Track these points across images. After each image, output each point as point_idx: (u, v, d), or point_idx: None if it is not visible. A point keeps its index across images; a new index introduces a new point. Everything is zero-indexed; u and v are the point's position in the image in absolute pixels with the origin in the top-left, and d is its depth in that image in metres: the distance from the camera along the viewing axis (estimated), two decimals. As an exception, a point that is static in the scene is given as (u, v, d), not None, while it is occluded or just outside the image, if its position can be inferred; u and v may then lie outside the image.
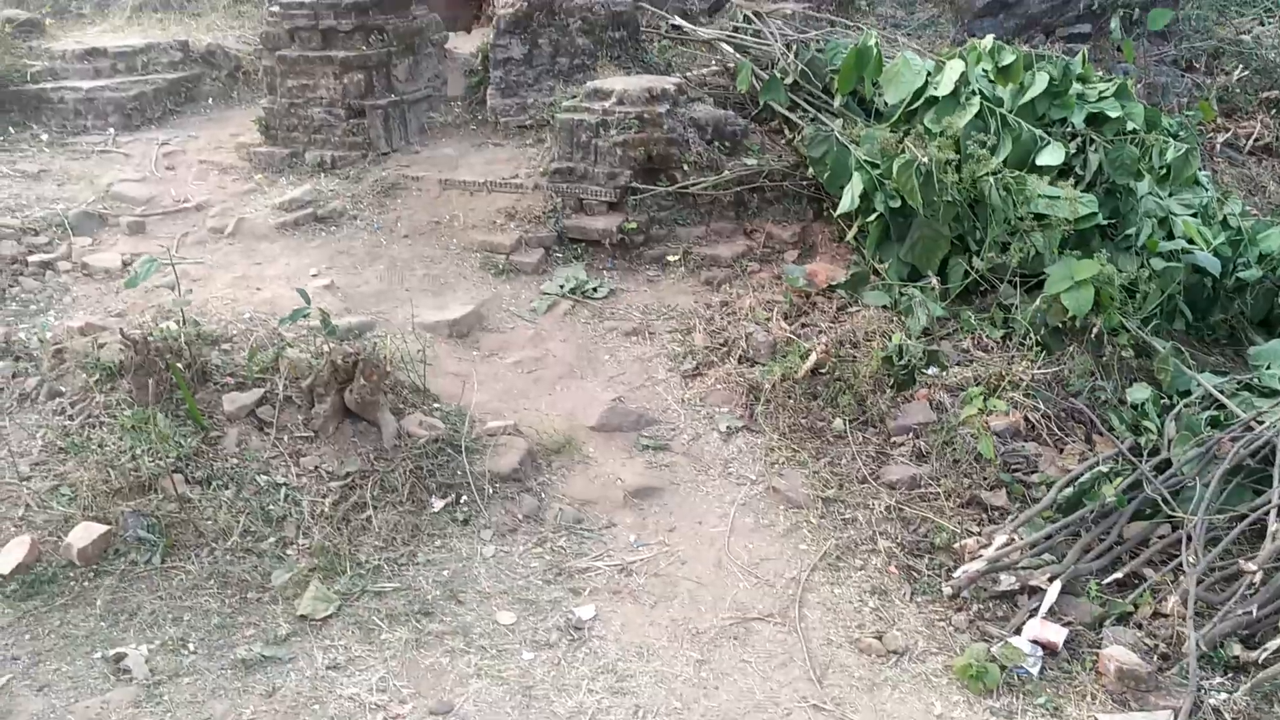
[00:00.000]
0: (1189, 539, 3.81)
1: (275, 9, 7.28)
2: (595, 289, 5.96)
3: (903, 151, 5.38)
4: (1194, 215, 5.38)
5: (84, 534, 3.73)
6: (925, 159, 5.16)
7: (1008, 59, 5.57)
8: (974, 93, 5.61)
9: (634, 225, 6.21)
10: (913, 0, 9.36)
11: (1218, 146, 7.46)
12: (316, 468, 4.21)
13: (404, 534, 4.03)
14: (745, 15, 7.77)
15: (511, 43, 7.26)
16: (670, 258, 6.23)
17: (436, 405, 4.76)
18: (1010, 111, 5.55)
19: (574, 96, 6.75)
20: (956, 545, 4.05)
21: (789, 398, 4.91)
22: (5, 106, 7.97)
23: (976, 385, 4.76)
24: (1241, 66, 7.96)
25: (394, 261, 6.16)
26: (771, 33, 7.31)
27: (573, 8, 7.27)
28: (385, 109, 7.14)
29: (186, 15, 9.87)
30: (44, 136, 7.81)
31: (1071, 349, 5.01)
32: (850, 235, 5.95)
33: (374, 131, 7.10)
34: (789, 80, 6.81)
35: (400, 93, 7.31)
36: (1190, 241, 5.21)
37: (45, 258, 5.97)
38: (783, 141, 6.77)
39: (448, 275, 6.09)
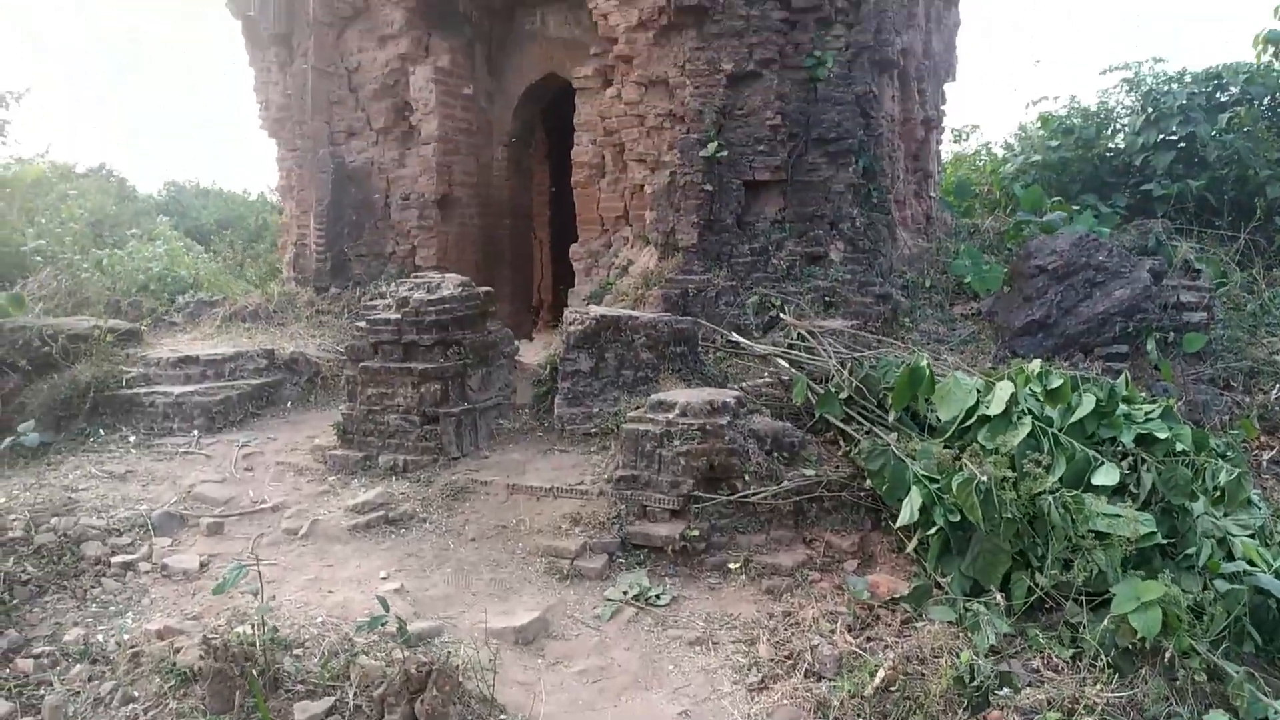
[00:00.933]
0: None
1: (362, 325, 7.86)
2: (658, 596, 6.01)
3: (961, 468, 5.57)
4: (1251, 536, 5.45)
5: None
6: (984, 477, 5.34)
7: (1055, 383, 5.87)
8: (1025, 412, 5.87)
9: (696, 533, 6.36)
10: (953, 318, 9.92)
11: (1264, 464, 7.62)
12: (386, 783, 4.16)
13: None
14: (799, 333, 8.26)
15: (579, 356, 7.73)
16: (731, 565, 6.32)
17: (503, 716, 4.74)
18: (1061, 430, 5.78)
19: (638, 407, 7.11)
20: None
21: (859, 716, 4.83)
22: (99, 410, 8.49)
23: (1051, 709, 4.68)
24: (1278, 386, 8.27)
25: (461, 565, 6.30)
26: (825, 350, 7.75)
27: (637, 325, 7.79)
28: (458, 416, 7.52)
29: (272, 325, 10.63)
30: (132, 438, 8.26)
31: (1143, 671, 4.95)
32: (910, 547, 6.04)
33: (446, 437, 7.45)
34: (844, 395, 7.15)
35: (473, 401, 7.73)
36: (1251, 563, 5.26)
37: (127, 558, 6.18)
38: (839, 453, 7.00)
39: (513, 580, 6.19)
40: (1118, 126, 17.03)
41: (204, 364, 9.12)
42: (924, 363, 6.46)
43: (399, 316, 7.69)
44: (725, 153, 9.81)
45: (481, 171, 12.35)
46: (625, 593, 6.04)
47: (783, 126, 9.88)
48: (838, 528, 6.65)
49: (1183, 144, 14.59)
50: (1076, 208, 14.11)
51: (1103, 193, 15.37)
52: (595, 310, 8.14)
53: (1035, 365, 6.29)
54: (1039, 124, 18.17)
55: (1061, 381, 5.93)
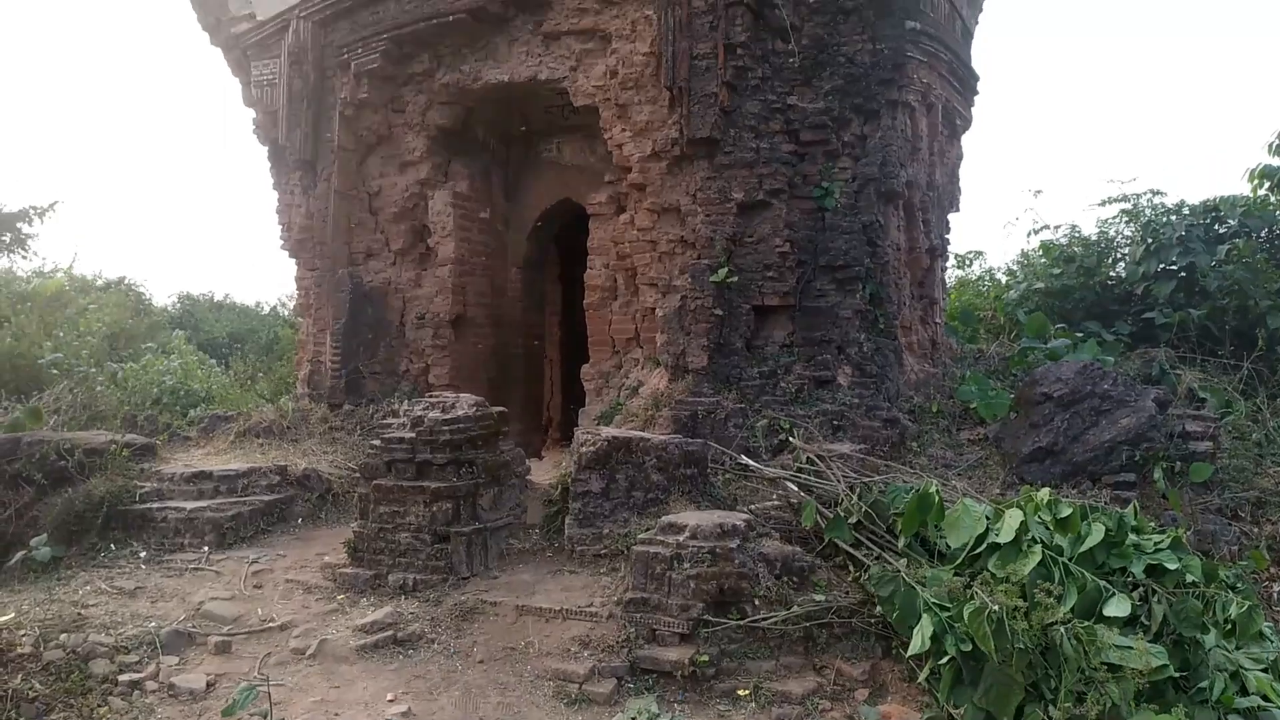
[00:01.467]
0: None
1: (376, 443, 7.96)
2: (668, 724, 5.95)
3: (972, 596, 5.58)
4: (1265, 670, 5.43)
5: None
6: (996, 606, 5.35)
7: (1064, 511, 5.92)
8: (1034, 540, 5.91)
9: (705, 658, 6.32)
10: (961, 443, 9.99)
11: (1275, 595, 7.59)
12: None
13: None
14: (808, 457, 8.34)
15: (591, 477, 7.80)
16: (741, 692, 6.26)
17: None
18: (1071, 560, 5.81)
19: (649, 529, 7.15)
20: None
21: None
22: (111, 525, 8.54)
23: (1069, 846, 4.61)
24: (1287, 516, 8.30)
25: (469, 688, 6.25)
26: (834, 474, 7.82)
27: (648, 447, 7.88)
28: (469, 536, 7.56)
29: (286, 441, 10.74)
30: (143, 554, 8.29)
31: (1163, 808, 4.88)
32: (922, 677, 6.00)
33: (456, 557, 7.47)
34: (853, 520, 7.19)
35: (484, 520, 7.77)
36: (1265, 698, 5.22)
37: (134, 677, 6.16)
38: (849, 578, 7.01)
39: (521, 704, 6.14)
40: (1118, 255, 17.37)
41: (217, 479, 9.19)
42: (933, 489, 6.52)
43: (414, 435, 7.79)
44: (735, 278, 10.04)
45: (495, 292, 12.62)
46: (634, 719, 5.98)
47: (791, 253, 10.13)
48: (848, 655, 6.61)
49: (1183, 274, 14.87)
50: (1080, 335, 14.31)
51: (1106, 320, 15.59)
52: (607, 431, 8.25)
53: (1044, 493, 6.35)
54: (1040, 251, 18.55)
55: (1071, 510, 5.98)
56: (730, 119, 10.16)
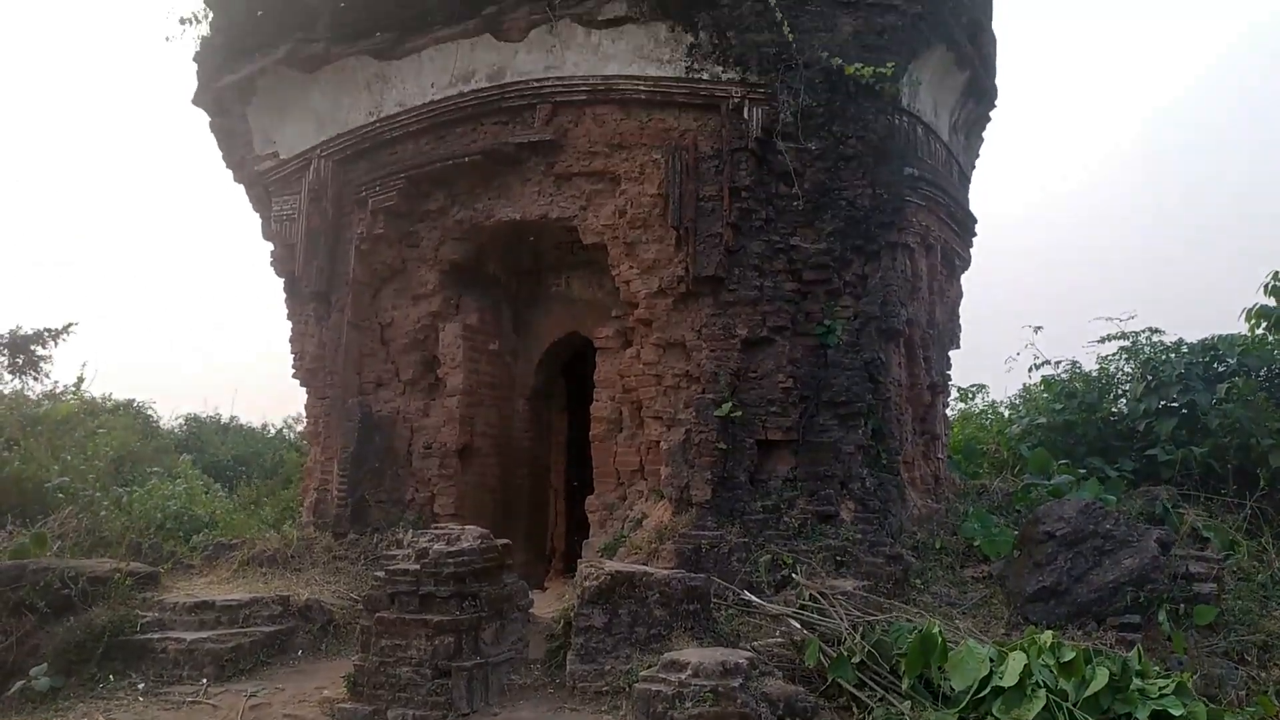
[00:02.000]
0: None
1: (380, 575, 7.99)
2: None
3: (976, 743, 5.55)
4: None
5: None
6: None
7: (1068, 655, 5.92)
8: (1039, 684, 5.89)
9: (708, 802, 6.24)
10: (964, 580, 9.97)
11: (1285, 740, 7.48)
12: None
13: None
14: (810, 594, 8.34)
15: (594, 612, 7.80)
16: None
17: None
18: (1076, 705, 5.78)
19: (651, 666, 7.12)
20: None
21: None
22: (110, 655, 8.50)
23: None
24: (1291, 666, 8.22)
25: (467, 831, 6.15)
26: (837, 612, 7.81)
27: (651, 582, 7.90)
28: (470, 671, 7.51)
29: (289, 570, 10.73)
30: (140, 685, 8.23)
31: None
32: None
33: (457, 693, 7.42)
34: (856, 659, 7.16)
35: (485, 655, 7.73)
36: None
37: (129, 813, 6.08)
38: (853, 720, 6.95)
39: None
40: (1119, 391, 17.55)
41: (219, 609, 9.17)
42: (936, 629, 6.53)
43: (418, 567, 7.82)
44: (740, 413, 10.20)
45: (502, 422, 12.77)
46: None
47: (794, 389, 10.32)
48: (853, 800, 6.52)
49: (1184, 411, 14.99)
50: (1084, 471, 14.37)
51: (1109, 455, 15.66)
52: (610, 565, 8.28)
53: (1047, 636, 6.35)
54: (1043, 386, 18.75)
55: (1074, 654, 5.98)
56: (735, 258, 10.48)
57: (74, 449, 18.71)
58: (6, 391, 19.53)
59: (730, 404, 10.21)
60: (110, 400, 25.20)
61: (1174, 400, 15.25)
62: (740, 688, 6.67)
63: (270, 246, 13.38)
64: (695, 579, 8.13)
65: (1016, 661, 6.09)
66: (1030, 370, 19.20)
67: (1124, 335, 17.48)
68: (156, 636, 8.70)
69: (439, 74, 11.90)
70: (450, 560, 7.81)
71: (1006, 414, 20.40)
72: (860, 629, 7.55)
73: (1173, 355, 16.12)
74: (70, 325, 18.89)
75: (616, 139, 11.04)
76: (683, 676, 6.78)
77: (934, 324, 12.62)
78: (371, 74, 12.24)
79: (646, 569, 8.27)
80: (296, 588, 10.14)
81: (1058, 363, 19.09)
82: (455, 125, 11.89)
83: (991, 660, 6.34)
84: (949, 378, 13.33)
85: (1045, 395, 18.42)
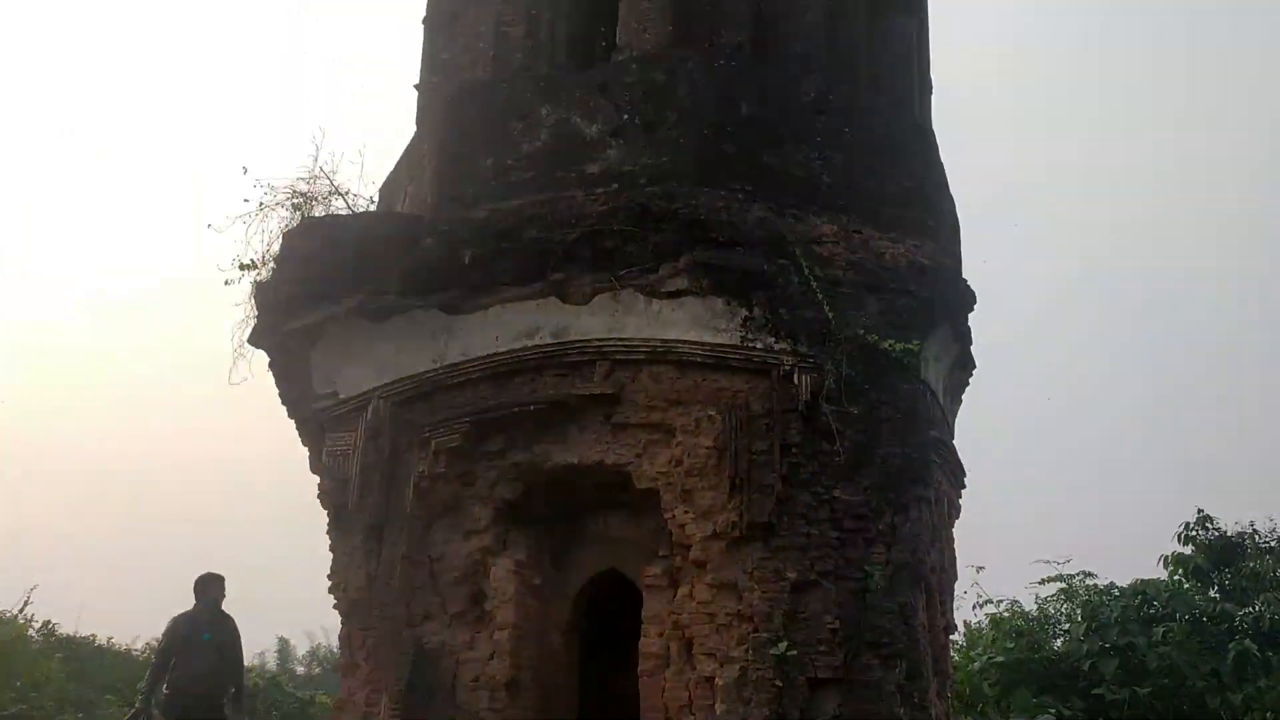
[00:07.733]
0: None
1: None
2: None
3: None
4: None
5: None
6: None
7: None
8: None
9: None
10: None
11: None
12: None
13: None
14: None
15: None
16: None
17: None
18: None
19: None
20: None
21: None
22: None
23: None
24: None
25: None
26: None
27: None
28: None
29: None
30: None
31: None
32: None
33: None
34: None
35: None
36: None
37: None
38: None
39: None
40: (1056, 631, 18.79)
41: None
42: None
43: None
44: (794, 651, 11.02)
45: (541, 658, 13.23)
46: None
47: (840, 630, 11.21)
48: None
49: (1127, 651, 16.14)
50: (1051, 711, 15.25)
51: (1058, 694, 16.59)
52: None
53: None
54: (990, 624, 19.90)
55: None
56: (784, 507, 11.59)
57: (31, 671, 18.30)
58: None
59: (786, 643, 11.03)
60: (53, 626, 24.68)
61: (1114, 640, 16.43)
62: None
63: (317, 479, 14.02)
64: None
65: None
66: (975, 608, 20.33)
67: (1060, 577, 18.91)
68: None
69: (504, 328, 13.12)
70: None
71: (954, 653, 21.39)
72: None
73: (1106, 598, 17.48)
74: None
75: (674, 395, 12.28)
76: None
77: (943, 568, 13.76)
78: (438, 325, 13.39)
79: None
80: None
81: (999, 601, 20.34)
82: (515, 375, 13.02)
83: None
84: (954, 621, 14.36)
85: (993, 633, 19.51)
